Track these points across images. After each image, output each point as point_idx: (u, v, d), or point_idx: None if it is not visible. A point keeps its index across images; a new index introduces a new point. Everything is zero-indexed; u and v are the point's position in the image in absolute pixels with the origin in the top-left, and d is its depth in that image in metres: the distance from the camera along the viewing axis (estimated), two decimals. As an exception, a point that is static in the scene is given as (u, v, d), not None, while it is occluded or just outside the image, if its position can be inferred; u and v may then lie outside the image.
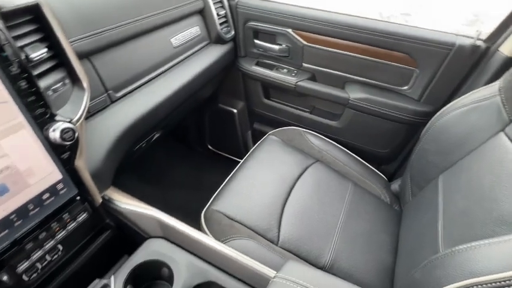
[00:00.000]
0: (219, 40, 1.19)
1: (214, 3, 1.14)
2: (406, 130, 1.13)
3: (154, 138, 1.04)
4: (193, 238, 0.69)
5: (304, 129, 1.24)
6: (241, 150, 1.61)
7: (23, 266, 0.54)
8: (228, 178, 1.05)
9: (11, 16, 0.50)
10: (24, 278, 0.63)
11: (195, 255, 0.70)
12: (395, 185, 1.16)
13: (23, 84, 0.50)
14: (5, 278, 0.51)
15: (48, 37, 0.57)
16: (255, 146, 1.19)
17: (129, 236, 0.77)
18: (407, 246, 0.85)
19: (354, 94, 1.15)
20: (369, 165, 1.19)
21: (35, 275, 0.65)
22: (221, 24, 1.17)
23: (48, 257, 0.66)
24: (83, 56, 0.69)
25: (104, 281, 0.63)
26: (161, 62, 0.93)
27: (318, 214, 0.96)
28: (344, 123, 1.24)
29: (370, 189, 1.11)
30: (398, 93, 1.11)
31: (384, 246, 0.94)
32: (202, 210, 0.94)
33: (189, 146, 1.75)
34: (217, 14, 1.15)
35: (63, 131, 0.55)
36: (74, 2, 0.69)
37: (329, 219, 0.95)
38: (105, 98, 0.76)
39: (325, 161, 1.16)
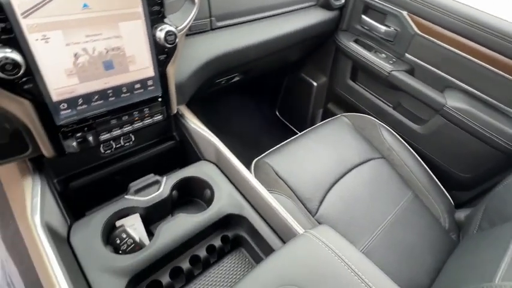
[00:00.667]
0: (326, 5, 1.14)
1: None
2: (501, 159, 0.98)
3: (234, 80, 1.08)
4: (241, 173, 0.72)
5: (380, 122, 1.16)
6: (307, 126, 1.59)
7: (104, 137, 0.63)
8: (287, 140, 1.05)
9: None
10: (101, 149, 0.74)
11: (237, 189, 0.73)
12: (460, 214, 1.03)
13: (150, -22, 0.55)
14: (90, 138, 0.61)
15: None
16: (324, 121, 1.16)
17: (187, 153, 0.84)
18: (454, 276, 0.77)
19: (453, 102, 1.02)
20: (439, 183, 1.07)
21: (108, 151, 0.75)
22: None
23: (122, 141, 0.76)
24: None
25: (157, 177, 0.70)
26: (266, 7, 0.94)
27: (364, 207, 0.91)
28: (428, 131, 1.12)
29: (431, 208, 1.01)
30: (506, 116, 0.95)
31: (423, 266, 0.86)
32: (255, 159, 0.97)
33: (258, 106, 1.78)
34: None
35: (168, 33, 0.60)
36: None
37: (374, 216, 0.90)
38: (207, 23, 0.80)
39: (391, 161, 1.08)
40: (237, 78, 1.09)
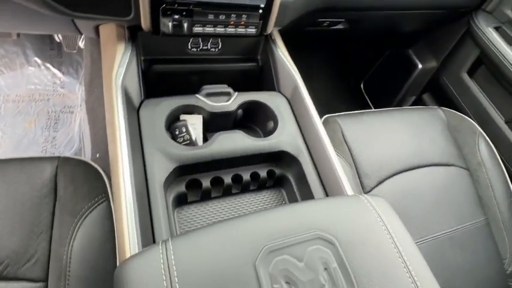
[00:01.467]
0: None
1: None
2: None
3: (337, 26, 0.98)
4: (311, 117, 0.67)
5: (481, 131, 0.98)
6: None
7: (197, 29, 0.62)
8: (366, 110, 0.95)
9: None
10: (189, 45, 0.74)
11: (301, 131, 0.69)
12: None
13: None
14: (185, 24, 0.61)
15: None
16: (416, 107, 1.02)
17: (264, 80, 0.81)
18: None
19: None
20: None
21: (194, 49, 0.76)
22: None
23: (209, 45, 0.76)
24: None
25: (230, 89, 0.69)
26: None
27: (423, 209, 0.81)
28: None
29: (500, 244, 0.86)
30: None
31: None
32: (326, 115, 0.90)
33: (344, 72, 1.65)
34: None
35: None
36: None
37: (430, 223, 0.80)
38: None
39: (475, 177, 0.93)
40: (340, 26, 0.98)
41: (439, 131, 0.96)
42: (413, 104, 1.38)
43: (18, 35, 0.91)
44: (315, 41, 1.22)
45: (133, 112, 0.60)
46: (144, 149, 0.58)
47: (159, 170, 0.56)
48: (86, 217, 0.57)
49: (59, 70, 1.17)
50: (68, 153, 1.02)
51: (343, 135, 0.84)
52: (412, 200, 0.81)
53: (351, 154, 0.82)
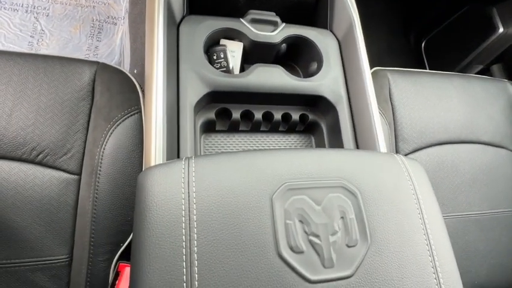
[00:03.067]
0: None
1: None
2: None
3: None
4: (361, 61, 0.61)
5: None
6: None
7: None
8: (422, 70, 0.85)
9: None
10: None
11: (345, 76, 0.64)
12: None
13: None
14: None
15: None
16: (482, 76, 0.90)
17: (317, 15, 0.73)
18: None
19: None
20: None
21: None
22: None
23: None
24: None
25: (278, 19, 0.63)
26: None
27: (457, 185, 0.76)
28: None
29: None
30: None
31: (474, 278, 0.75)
32: (375, 67, 0.82)
33: (405, 26, 1.46)
34: None
35: None
36: None
37: (462, 200, 0.76)
38: None
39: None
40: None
41: (501, 107, 0.85)
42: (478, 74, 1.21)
43: None
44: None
45: (173, 27, 0.58)
46: (179, 67, 0.56)
47: (192, 91, 0.55)
48: (118, 124, 0.59)
49: (106, -23, 1.13)
50: (108, 64, 1.04)
51: (390, 91, 0.77)
52: (448, 175, 0.76)
53: (393, 114, 0.76)
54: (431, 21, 1.34)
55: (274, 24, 0.63)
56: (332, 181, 0.40)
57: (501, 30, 1.07)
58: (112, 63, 0.65)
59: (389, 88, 0.77)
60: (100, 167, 0.56)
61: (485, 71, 1.19)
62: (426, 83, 0.81)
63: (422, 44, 1.41)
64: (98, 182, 0.56)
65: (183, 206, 0.35)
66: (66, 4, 1.09)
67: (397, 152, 0.75)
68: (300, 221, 0.37)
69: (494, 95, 0.85)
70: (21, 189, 0.53)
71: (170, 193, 0.35)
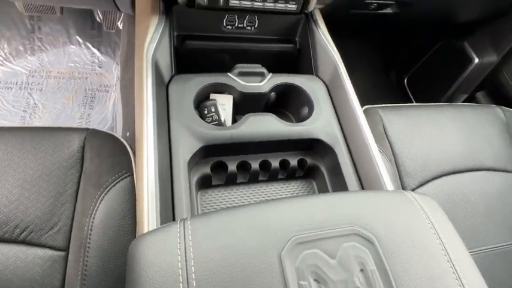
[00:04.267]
0: None
1: None
2: None
3: (385, 10, 0.89)
4: (351, 103, 0.61)
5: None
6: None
7: (233, 2, 0.59)
8: (411, 104, 0.87)
9: None
10: (224, 23, 0.71)
11: (338, 119, 0.63)
12: None
13: None
14: (221, -4, 0.57)
15: None
16: (470, 103, 0.91)
17: (301, 63, 0.75)
18: None
19: None
20: None
21: (230, 27, 0.72)
22: None
23: (245, 23, 0.72)
24: None
25: (264, 70, 0.65)
26: None
27: (473, 218, 0.72)
28: None
29: None
30: None
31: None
32: (366, 105, 0.83)
33: (386, 64, 1.53)
34: None
35: None
36: None
37: (481, 234, 0.71)
38: None
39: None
40: (389, 10, 0.89)
41: (497, 132, 0.85)
42: (464, 101, 1.24)
43: (62, 11, 0.94)
44: (358, 26, 1.13)
45: (162, 87, 0.58)
46: (170, 125, 0.55)
47: (185, 148, 0.53)
48: (109, 190, 0.56)
49: (98, 50, 1.20)
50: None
51: (384, 128, 0.77)
52: (460, 207, 0.72)
53: (392, 150, 0.74)
54: (409, 58, 1.41)
55: (261, 75, 0.64)
56: (344, 228, 0.36)
57: (476, 60, 1.12)
58: (105, 128, 0.64)
59: (383, 124, 0.77)
60: (89, 238, 0.52)
61: (471, 99, 1.23)
62: (418, 116, 0.81)
63: (405, 81, 1.47)
64: (87, 257, 0.51)
65: (180, 277, 0.30)
66: (59, 78, 1.13)
67: (403, 187, 0.72)
68: (316, 280, 0.33)
69: (488, 120, 0.85)
70: (0, 274, 0.47)
71: (164, 262, 0.31)
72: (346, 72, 0.65)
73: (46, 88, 1.11)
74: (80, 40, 1.17)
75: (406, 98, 1.45)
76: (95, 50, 1.18)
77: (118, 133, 0.99)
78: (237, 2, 0.59)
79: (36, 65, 1.12)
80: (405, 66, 1.43)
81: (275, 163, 0.61)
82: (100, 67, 1.18)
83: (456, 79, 1.20)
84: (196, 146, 0.54)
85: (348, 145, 0.61)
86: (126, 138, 0.67)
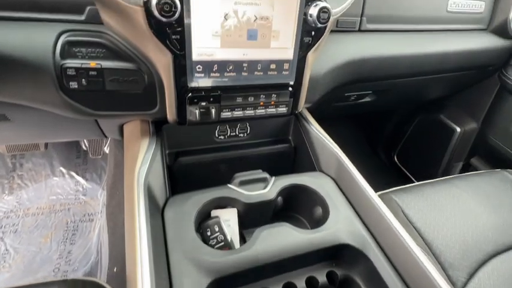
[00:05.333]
0: (500, 32, 0.92)
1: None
2: None
3: (364, 100, 0.94)
4: (368, 196, 0.55)
5: None
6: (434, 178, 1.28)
7: (225, 114, 0.58)
8: (420, 182, 0.82)
9: None
10: (216, 133, 0.69)
11: (359, 216, 0.56)
12: None
13: None
14: (213, 110, 0.56)
15: None
16: (477, 172, 0.89)
17: (301, 161, 0.72)
18: None
19: None
20: None
21: (222, 137, 0.71)
22: (518, 12, 0.90)
23: (237, 131, 0.71)
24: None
25: (265, 175, 0.60)
26: (425, 18, 0.80)
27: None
28: None
29: None
30: None
31: None
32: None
33: (372, 144, 1.56)
34: (520, -1, 0.88)
35: (322, 9, 0.53)
36: None
37: None
38: (356, 22, 0.71)
39: None
40: (367, 99, 0.95)
41: (517, 196, 0.79)
42: (462, 171, 1.23)
43: (46, 146, 0.92)
44: (340, 114, 1.18)
45: (157, 214, 0.51)
46: (170, 259, 0.45)
47: (190, 286, 0.42)
48: None
49: (83, 177, 1.15)
50: (82, 270, 0.89)
51: (405, 214, 0.69)
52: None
53: (423, 238, 0.66)
54: (393, 136, 1.46)
55: (264, 180, 0.59)
56: None
57: (459, 130, 1.16)
58: (87, 267, 0.53)
59: (402, 211, 0.70)
60: None
61: (468, 166, 1.22)
62: (433, 194, 0.76)
63: (395, 158, 1.48)
64: None
65: None
66: (38, 214, 1.03)
67: (452, 282, 0.60)
68: None
69: (503, 186, 0.81)
70: None
71: None
72: (351, 163, 0.62)
73: (21, 229, 1.00)
74: (64, 170, 1.13)
75: (401, 175, 1.44)
76: (79, 178, 1.13)
77: (103, 269, 0.85)
78: (229, 113, 0.58)
79: (13, 205, 1.03)
80: (391, 144, 1.47)
81: (301, 283, 0.50)
82: (84, 195, 1.11)
83: (446, 150, 1.21)
84: (204, 282, 0.43)
85: (378, 243, 0.53)
86: (113, 275, 0.55)
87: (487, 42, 0.91)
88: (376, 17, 0.73)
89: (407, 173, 1.42)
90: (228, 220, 0.56)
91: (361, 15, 0.71)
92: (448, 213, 0.71)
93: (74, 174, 1.14)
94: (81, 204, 1.09)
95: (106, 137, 0.78)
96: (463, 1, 0.84)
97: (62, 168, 1.13)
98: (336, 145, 0.66)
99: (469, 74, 0.99)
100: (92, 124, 0.68)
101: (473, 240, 0.66)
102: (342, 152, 0.64)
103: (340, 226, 0.53)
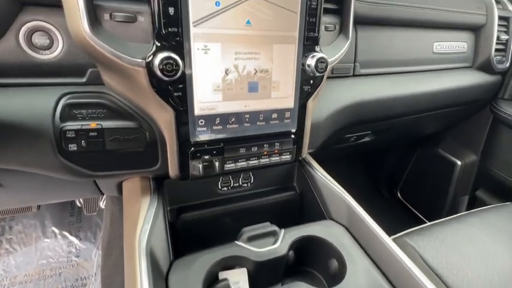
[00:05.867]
0: (485, 68, 0.96)
1: (498, 25, 0.93)
2: None
3: (363, 140, 0.94)
4: (385, 245, 0.51)
5: None
6: (442, 214, 1.24)
7: (229, 166, 0.56)
8: (432, 222, 0.79)
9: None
10: (219, 185, 0.67)
11: (377, 266, 0.52)
12: None
13: (314, 4, 0.52)
14: (216, 163, 0.54)
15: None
16: (488, 206, 0.86)
17: (308, 209, 0.69)
18: None
19: None
20: None
21: (225, 188, 0.68)
22: (497, 50, 0.95)
23: (240, 181, 0.69)
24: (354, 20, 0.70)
25: (274, 227, 0.56)
26: (414, 60, 0.84)
27: None
28: None
29: None
30: None
31: None
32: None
33: (374, 182, 1.54)
34: (497, 38, 0.94)
35: (320, 60, 0.54)
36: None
37: None
38: (350, 68, 0.73)
39: None
40: (367, 139, 0.95)
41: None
42: (469, 204, 1.20)
43: (39, 207, 0.88)
44: (340, 155, 1.17)
45: (161, 280, 0.46)
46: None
47: None
48: None
49: (77, 236, 1.08)
50: None
51: (423, 260, 0.65)
52: None
53: (446, 285, 0.61)
54: (394, 173, 1.44)
55: (274, 234, 0.56)
56: None
57: (459, 163, 1.15)
58: None
59: (420, 255, 0.66)
60: None
61: (474, 199, 1.19)
62: (448, 235, 0.72)
63: (398, 194, 1.45)
64: None
65: None
66: (26, 282, 0.95)
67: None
68: None
69: (516, 221, 0.78)
70: None
71: None
72: (362, 209, 0.59)
73: (7, 301, 0.91)
74: (56, 231, 1.06)
75: (407, 211, 1.40)
76: (72, 238, 1.07)
77: None
78: (233, 165, 0.57)
79: (-1, 273, 0.95)
80: (393, 180, 1.45)
81: None
82: (77, 256, 1.04)
83: (449, 184, 1.19)
84: None
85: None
86: None
87: (474, 78, 0.95)
88: (368, 62, 0.75)
89: (413, 209, 1.39)
90: (238, 282, 0.52)
91: (354, 62, 0.73)
92: (467, 255, 0.67)
93: (66, 234, 1.07)
94: (73, 267, 1.01)
95: (103, 194, 0.75)
96: (446, 43, 0.88)
97: (54, 228, 1.06)
98: (343, 190, 0.64)
99: (461, 109, 1.01)
100: (89, 183, 0.65)
101: (499, 283, 0.62)
102: (351, 198, 0.62)
103: (360, 282, 0.49)
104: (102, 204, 1.09)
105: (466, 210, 1.20)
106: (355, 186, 1.49)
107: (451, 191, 1.20)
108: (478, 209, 0.84)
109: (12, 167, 0.51)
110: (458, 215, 0.82)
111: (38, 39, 0.46)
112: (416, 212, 1.37)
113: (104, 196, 1.09)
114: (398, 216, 1.42)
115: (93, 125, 0.48)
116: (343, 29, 0.61)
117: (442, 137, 1.21)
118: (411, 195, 1.40)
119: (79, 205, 1.11)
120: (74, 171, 0.50)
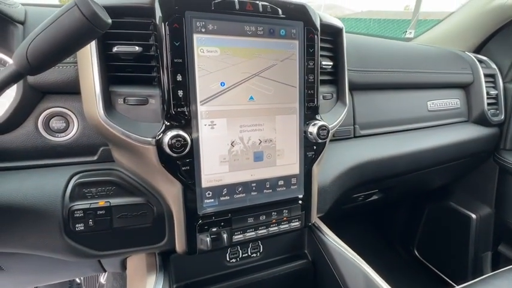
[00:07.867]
0: (481, 121, 0.99)
1: (486, 82, 0.99)
2: None
3: (371, 198, 0.93)
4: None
5: None
6: (466, 273, 1.15)
7: (237, 237, 0.54)
8: (463, 286, 0.73)
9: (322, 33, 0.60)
10: (227, 257, 0.64)
11: None
12: None
13: (311, 78, 0.57)
14: (224, 235, 0.53)
15: (336, 57, 0.64)
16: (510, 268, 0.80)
17: (323, 277, 0.65)
18: None
19: None
20: None
21: (234, 260, 0.65)
22: (489, 104, 0.99)
23: (249, 251, 0.66)
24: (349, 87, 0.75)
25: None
26: (411, 119, 0.87)
27: None
28: None
29: None
30: None
31: None
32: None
33: (388, 240, 1.47)
34: (487, 93, 0.99)
35: (321, 127, 0.56)
36: (356, 41, 0.79)
37: None
38: (351, 130, 0.76)
39: None
40: (375, 197, 0.93)
41: None
42: (494, 261, 1.12)
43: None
44: (350, 214, 1.14)
45: None
46: None
47: None
48: None
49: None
50: None
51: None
52: None
53: None
54: (408, 228, 1.38)
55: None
56: None
57: (474, 216, 1.11)
58: None
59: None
60: None
61: (497, 255, 1.12)
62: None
63: (415, 252, 1.37)
64: None
65: None
66: None
67: None
68: None
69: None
70: None
71: None
72: (381, 279, 0.56)
73: None
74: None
75: (422, 268, 1.31)
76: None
77: None
78: (241, 236, 0.55)
79: None
80: (407, 236, 1.38)
81: None
82: None
83: (469, 238, 1.13)
84: None
85: None
86: None
87: (472, 132, 0.97)
88: (367, 124, 0.78)
89: (435, 269, 1.29)
90: None
91: (354, 124, 0.76)
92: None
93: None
94: None
95: (105, 271, 0.72)
96: (439, 101, 0.93)
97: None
98: (359, 258, 0.61)
99: (465, 161, 1.01)
100: (93, 262, 0.62)
101: None
102: (367, 266, 0.58)
103: None
104: (103, 280, 1.03)
105: (492, 269, 1.12)
106: (368, 245, 1.42)
107: (471, 247, 1.14)
108: (504, 268, 0.78)
109: (15, 250, 0.50)
110: (484, 277, 0.75)
111: (55, 123, 0.49)
112: (439, 273, 1.28)
113: (106, 272, 1.03)
114: (419, 276, 1.32)
115: (101, 203, 0.48)
116: (340, 97, 0.65)
117: (451, 189, 1.19)
118: (429, 253, 1.32)
119: (78, 281, 1.05)
120: (79, 252, 0.49)
